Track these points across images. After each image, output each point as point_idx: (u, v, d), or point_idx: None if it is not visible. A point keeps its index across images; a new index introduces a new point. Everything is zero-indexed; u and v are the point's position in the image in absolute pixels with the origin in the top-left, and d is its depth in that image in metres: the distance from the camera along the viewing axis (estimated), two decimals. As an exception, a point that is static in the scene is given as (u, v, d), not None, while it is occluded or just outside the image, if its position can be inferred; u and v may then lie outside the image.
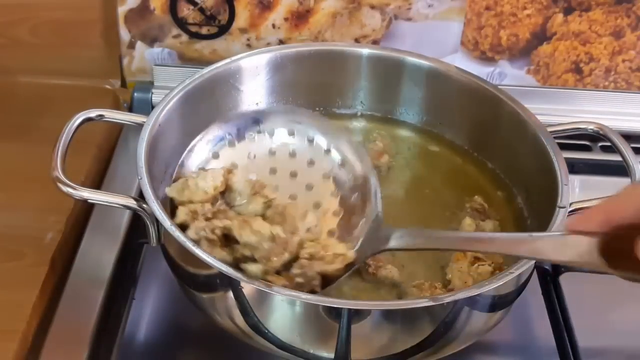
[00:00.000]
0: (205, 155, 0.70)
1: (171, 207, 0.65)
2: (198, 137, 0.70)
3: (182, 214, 0.63)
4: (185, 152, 0.69)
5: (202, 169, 0.68)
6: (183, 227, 0.62)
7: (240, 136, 0.71)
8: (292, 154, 0.70)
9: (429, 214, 0.75)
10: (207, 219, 0.62)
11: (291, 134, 0.71)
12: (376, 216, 0.66)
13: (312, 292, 0.60)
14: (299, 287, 0.60)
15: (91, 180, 0.82)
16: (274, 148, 0.71)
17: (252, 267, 0.60)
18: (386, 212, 0.70)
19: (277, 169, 0.70)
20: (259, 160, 0.70)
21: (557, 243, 0.55)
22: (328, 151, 0.70)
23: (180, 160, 0.69)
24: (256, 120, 0.71)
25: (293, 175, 0.70)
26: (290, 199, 0.68)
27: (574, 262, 0.53)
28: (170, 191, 0.66)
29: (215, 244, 0.62)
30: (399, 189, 0.80)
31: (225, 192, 0.66)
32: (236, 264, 0.61)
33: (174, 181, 0.67)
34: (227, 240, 0.62)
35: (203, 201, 0.64)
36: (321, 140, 0.71)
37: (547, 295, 0.76)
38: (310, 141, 0.71)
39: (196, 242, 0.61)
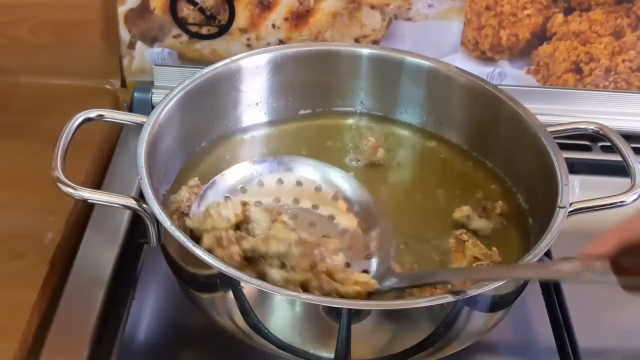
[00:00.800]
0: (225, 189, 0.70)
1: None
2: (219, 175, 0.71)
3: (207, 240, 0.63)
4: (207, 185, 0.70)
5: (227, 197, 0.69)
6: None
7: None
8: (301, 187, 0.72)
9: (429, 214, 0.75)
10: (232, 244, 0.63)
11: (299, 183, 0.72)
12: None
13: None
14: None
15: (91, 180, 0.82)
16: (285, 180, 0.72)
17: (275, 274, 0.61)
18: (385, 211, 0.71)
19: (290, 200, 0.70)
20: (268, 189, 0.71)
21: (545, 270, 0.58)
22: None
23: (202, 191, 0.69)
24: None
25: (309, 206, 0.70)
26: (309, 226, 0.68)
27: (583, 280, 0.54)
28: (192, 222, 0.66)
29: (240, 267, 0.62)
30: (399, 188, 0.80)
31: (242, 225, 0.66)
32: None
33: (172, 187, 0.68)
34: (249, 262, 0.63)
35: (226, 228, 0.64)
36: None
37: (547, 295, 0.76)
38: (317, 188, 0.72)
39: None
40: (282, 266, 0.62)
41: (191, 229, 0.65)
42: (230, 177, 0.71)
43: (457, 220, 0.73)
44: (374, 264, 0.66)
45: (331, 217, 0.70)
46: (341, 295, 0.61)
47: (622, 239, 0.52)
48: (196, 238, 0.64)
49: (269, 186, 0.71)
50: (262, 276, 0.62)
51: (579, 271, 0.53)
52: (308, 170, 0.72)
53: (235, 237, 0.63)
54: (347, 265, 0.65)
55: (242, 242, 0.63)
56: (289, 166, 0.72)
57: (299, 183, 0.71)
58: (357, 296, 0.61)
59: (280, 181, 0.71)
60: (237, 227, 0.65)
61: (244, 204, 0.67)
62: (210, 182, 0.70)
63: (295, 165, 0.72)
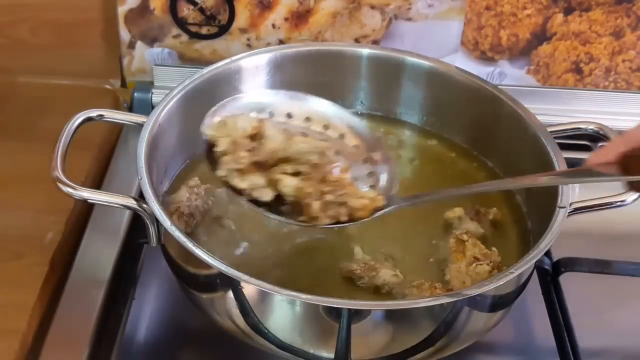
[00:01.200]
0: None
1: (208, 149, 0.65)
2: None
3: (224, 143, 0.63)
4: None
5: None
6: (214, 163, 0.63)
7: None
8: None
9: (425, 213, 0.75)
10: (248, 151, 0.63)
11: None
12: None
13: (337, 222, 0.62)
14: (327, 209, 0.62)
15: (91, 180, 0.82)
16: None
17: (290, 180, 0.61)
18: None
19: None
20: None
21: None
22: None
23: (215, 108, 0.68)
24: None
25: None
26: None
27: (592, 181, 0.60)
28: (208, 129, 0.65)
29: (247, 171, 0.62)
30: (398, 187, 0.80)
31: (257, 139, 0.65)
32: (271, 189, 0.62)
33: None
34: (258, 168, 0.63)
35: (242, 137, 0.64)
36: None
37: (547, 295, 0.76)
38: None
39: (225, 182, 0.62)
40: (296, 175, 0.62)
41: (207, 137, 0.65)
42: (242, 102, 0.70)
43: (447, 220, 0.73)
44: (382, 179, 0.67)
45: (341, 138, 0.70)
46: (349, 208, 0.62)
47: (628, 144, 0.56)
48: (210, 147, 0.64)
49: (278, 118, 0.70)
50: (274, 183, 0.62)
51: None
52: (318, 107, 0.71)
53: (252, 145, 0.63)
54: (355, 180, 0.66)
55: (257, 150, 0.63)
56: (300, 101, 0.71)
57: (308, 119, 0.71)
58: (364, 209, 0.62)
59: (289, 115, 0.70)
60: (252, 140, 0.65)
61: (260, 120, 0.66)
62: (221, 103, 0.69)
63: (307, 102, 0.71)
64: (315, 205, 0.61)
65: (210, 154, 0.64)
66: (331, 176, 0.63)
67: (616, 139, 0.58)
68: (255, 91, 0.72)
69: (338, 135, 0.70)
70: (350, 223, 0.63)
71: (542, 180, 0.67)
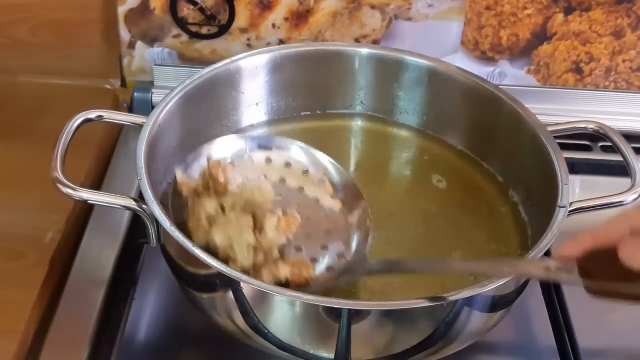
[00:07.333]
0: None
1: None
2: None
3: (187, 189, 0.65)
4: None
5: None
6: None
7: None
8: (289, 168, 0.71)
9: (430, 214, 0.76)
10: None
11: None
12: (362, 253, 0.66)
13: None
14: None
15: (91, 181, 0.82)
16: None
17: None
18: (383, 209, 0.71)
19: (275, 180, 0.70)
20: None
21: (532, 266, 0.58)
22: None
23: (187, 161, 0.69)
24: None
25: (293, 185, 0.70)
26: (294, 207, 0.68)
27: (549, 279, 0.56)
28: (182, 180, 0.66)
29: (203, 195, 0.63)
30: (398, 186, 0.80)
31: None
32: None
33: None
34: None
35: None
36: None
37: (547, 295, 0.76)
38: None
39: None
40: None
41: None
42: (219, 149, 0.70)
43: None
44: (354, 244, 0.66)
45: (316, 200, 0.69)
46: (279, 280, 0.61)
47: (595, 242, 0.52)
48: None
49: (258, 163, 0.70)
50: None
51: (548, 271, 0.54)
52: (298, 153, 0.72)
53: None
54: (325, 247, 0.65)
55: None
56: (279, 146, 0.72)
57: (287, 165, 0.71)
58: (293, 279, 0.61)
59: (269, 160, 0.71)
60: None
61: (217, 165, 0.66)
62: (196, 151, 0.69)
63: (285, 147, 0.72)
64: (233, 267, 0.61)
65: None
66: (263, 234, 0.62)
67: (583, 235, 0.53)
68: (228, 139, 0.72)
69: (316, 182, 0.70)
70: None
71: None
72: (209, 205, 0.63)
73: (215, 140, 0.71)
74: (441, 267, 0.65)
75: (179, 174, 0.66)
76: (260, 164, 0.70)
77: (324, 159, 0.72)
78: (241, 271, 0.60)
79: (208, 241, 0.62)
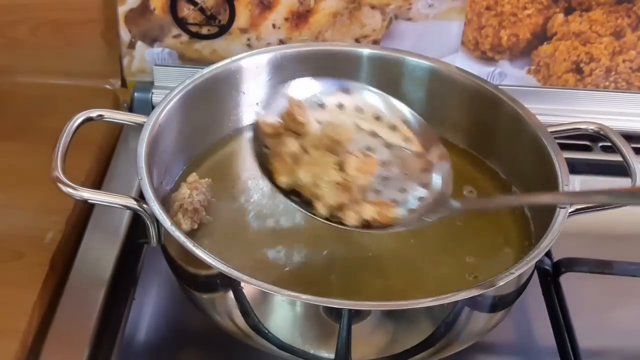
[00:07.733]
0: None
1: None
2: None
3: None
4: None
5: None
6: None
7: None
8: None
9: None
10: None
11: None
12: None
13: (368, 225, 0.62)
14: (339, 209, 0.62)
15: (91, 181, 0.82)
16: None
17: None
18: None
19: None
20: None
21: None
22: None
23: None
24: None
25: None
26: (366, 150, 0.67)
27: None
28: (266, 127, 0.66)
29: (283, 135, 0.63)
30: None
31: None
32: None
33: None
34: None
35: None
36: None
37: (547, 295, 0.76)
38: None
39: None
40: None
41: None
42: (295, 90, 0.69)
43: None
44: (435, 179, 0.66)
45: (390, 145, 0.68)
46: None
47: None
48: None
49: (330, 108, 0.69)
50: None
51: None
52: (371, 97, 0.70)
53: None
54: (404, 190, 0.65)
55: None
56: (350, 91, 0.70)
57: (358, 109, 0.70)
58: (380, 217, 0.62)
59: (340, 105, 0.70)
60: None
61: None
62: (274, 92, 0.69)
63: (357, 91, 0.70)
64: (319, 206, 0.61)
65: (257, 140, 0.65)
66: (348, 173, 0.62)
67: None
68: (301, 81, 0.70)
69: (388, 127, 0.69)
70: (379, 230, 0.62)
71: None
72: (292, 144, 0.63)
73: (290, 82, 0.69)
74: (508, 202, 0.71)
75: (259, 115, 0.65)
76: (333, 108, 0.69)
77: (398, 104, 0.70)
78: (328, 210, 0.61)
79: (294, 180, 0.62)
